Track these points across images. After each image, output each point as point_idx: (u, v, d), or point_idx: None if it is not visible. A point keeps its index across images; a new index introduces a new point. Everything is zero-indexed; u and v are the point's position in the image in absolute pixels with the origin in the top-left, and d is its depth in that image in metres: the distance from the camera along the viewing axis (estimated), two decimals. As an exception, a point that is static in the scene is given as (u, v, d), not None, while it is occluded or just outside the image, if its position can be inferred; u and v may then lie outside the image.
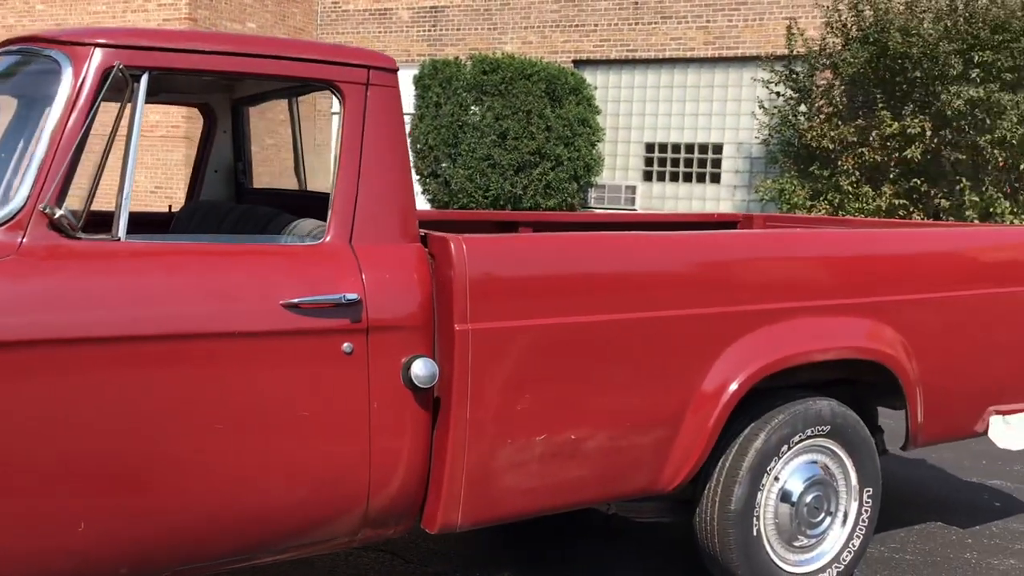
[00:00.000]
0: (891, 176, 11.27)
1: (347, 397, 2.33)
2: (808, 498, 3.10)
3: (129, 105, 2.20)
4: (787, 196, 12.02)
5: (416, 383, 2.38)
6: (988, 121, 10.42)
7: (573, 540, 3.66)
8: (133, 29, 2.33)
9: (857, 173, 11.46)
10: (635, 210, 13.87)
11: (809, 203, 11.84)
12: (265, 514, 2.28)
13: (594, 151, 13.48)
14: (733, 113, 13.80)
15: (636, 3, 14.15)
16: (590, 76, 14.34)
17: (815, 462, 3.14)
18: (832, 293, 3.08)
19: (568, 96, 13.12)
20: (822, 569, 3.17)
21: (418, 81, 13.42)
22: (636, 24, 14.21)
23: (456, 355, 2.42)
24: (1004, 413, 3.57)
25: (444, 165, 13.16)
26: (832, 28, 11.61)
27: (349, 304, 2.32)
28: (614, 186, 14.25)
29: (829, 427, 3.11)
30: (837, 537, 3.21)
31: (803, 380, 3.22)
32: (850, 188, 11.49)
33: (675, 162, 14.28)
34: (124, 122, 2.19)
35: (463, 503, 2.51)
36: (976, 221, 10.58)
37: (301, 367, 2.28)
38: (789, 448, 3.04)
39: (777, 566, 3.07)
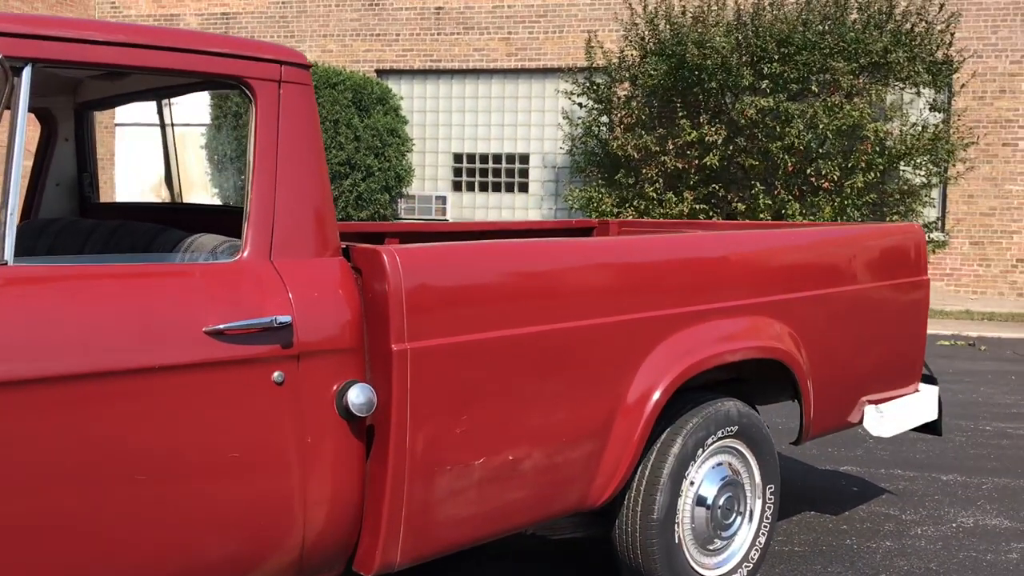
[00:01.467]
0: (691, 182, 11.80)
1: (279, 432, 2.07)
2: (721, 500, 3.09)
3: (9, 105, 1.85)
4: (595, 204, 12.33)
5: (353, 411, 2.15)
6: (778, 129, 11.11)
7: (479, 563, 3.49)
8: (12, 14, 1.97)
9: (660, 180, 11.92)
10: (446, 220, 13.81)
11: (616, 210, 12.20)
12: (193, 567, 1.98)
13: (404, 161, 13.31)
14: (538, 124, 14.03)
15: (438, 13, 14.11)
16: (395, 86, 14.17)
17: (724, 464, 3.14)
18: (739, 294, 3.09)
19: (375, 106, 12.90)
20: (733, 570, 3.17)
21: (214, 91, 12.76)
22: (438, 35, 14.17)
23: (394, 378, 2.21)
24: (876, 403, 3.73)
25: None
26: (630, 42, 12.04)
27: (279, 328, 2.06)
28: (424, 196, 14.13)
29: (737, 427, 3.12)
30: (745, 536, 3.23)
31: (703, 383, 3.22)
32: (654, 195, 11.93)
33: (483, 172, 14.35)
34: (3, 124, 1.84)
35: (402, 540, 2.29)
36: (770, 221, 11.27)
37: (228, 402, 2.00)
38: (703, 451, 3.02)
39: (696, 572, 3.04)
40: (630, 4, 12.09)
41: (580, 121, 12.74)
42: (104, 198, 3.06)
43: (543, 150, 14.02)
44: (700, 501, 3.05)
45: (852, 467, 4.84)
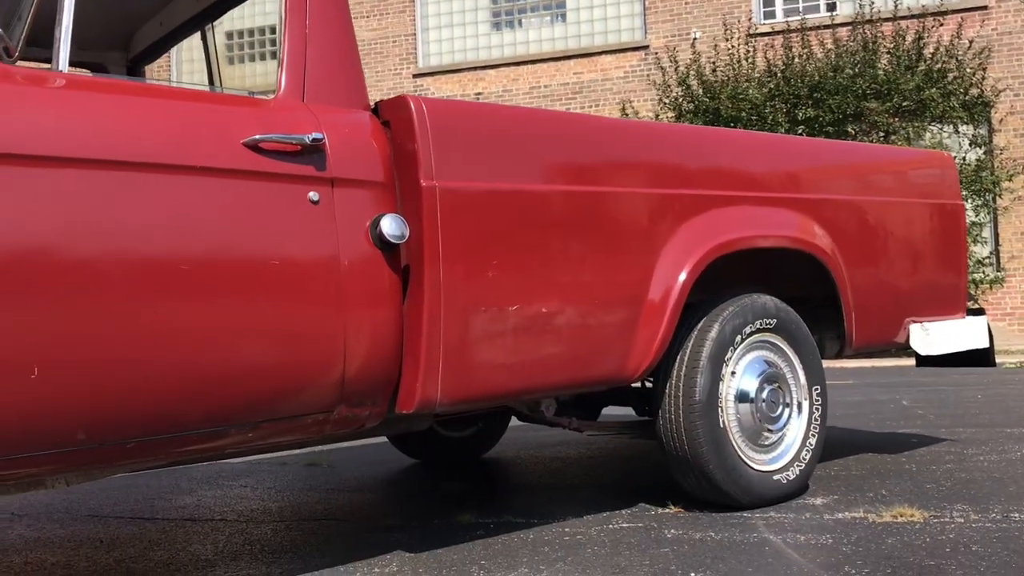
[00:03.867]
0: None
1: (317, 248, 2.17)
2: (764, 393, 3.08)
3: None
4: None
5: (387, 239, 2.25)
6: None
7: (514, 484, 3.48)
8: None
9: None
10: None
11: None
12: (233, 372, 2.05)
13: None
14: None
15: (477, 99, 14.62)
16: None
17: (764, 359, 3.14)
18: (773, 187, 3.17)
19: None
20: (786, 467, 3.12)
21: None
22: (479, 118, 14.64)
23: (424, 212, 2.31)
24: (921, 323, 3.70)
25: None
26: (665, 104, 12.34)
27: (313, 150, 2.19)
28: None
29: (775, 320, 3.13)
30: (796, 432, 3.19)
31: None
32: (701, 248, 11.97)
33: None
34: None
35: (442, 376, 2.35)
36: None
37: (267, 213, 2.11)
38: (742, 339, 3.04)
39: (746, 463, 3.01)
40: (662, 68, 12.44)
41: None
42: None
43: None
44: (743, 397, 3.05)
45: (912, 428, 4.74)
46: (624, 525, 2.88)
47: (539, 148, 2.59)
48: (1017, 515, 2.81)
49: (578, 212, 2.63)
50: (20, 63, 1.95)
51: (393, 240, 2.25)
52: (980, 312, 4.05)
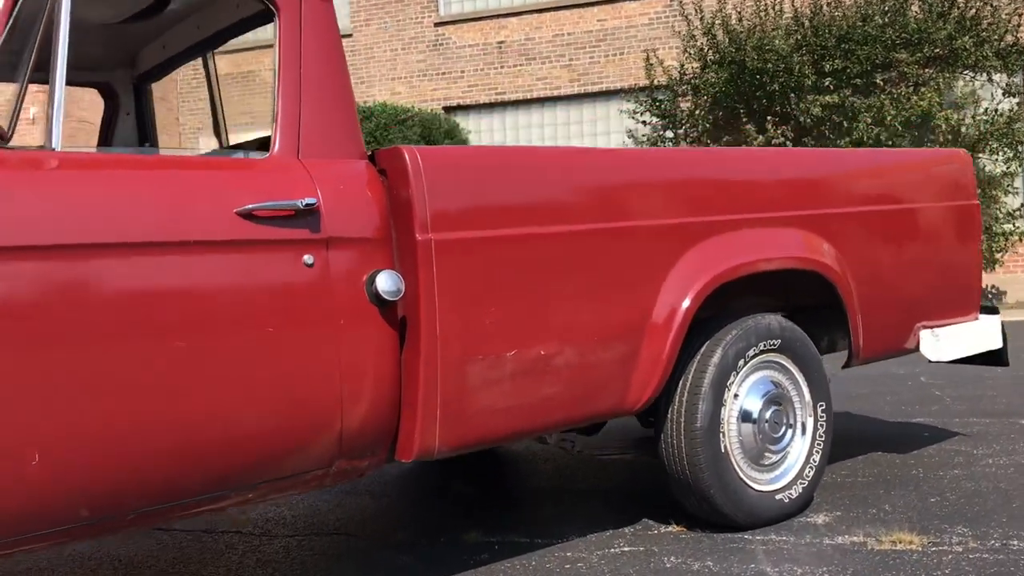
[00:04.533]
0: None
1: (312, 312, 2.20)
2: (768, 414, 3.10)
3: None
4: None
5: (382, 296, 2.27)
6: (844, 125, 11.00)
7: (522, 496, 3.54)
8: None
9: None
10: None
11: (688, 221, 12.15)
12: (233, 441, 2.10)
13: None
14: (604, 145, 14.16)
15: (500, 47, 14.44)
16: (463, 120, 14.50)
17: (769, 379, 3.15)
18: (776, 206, 3.13)
19: (443, 140, 13.20)
20: (788, 485, 3.15)
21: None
22: (502, 67, 14.48)
23: (420, 265, 2.33)
24: (932, 328, 3.68)
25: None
26: (690, 55, 12.12)
27: (307, 213, 2.20)
28: (497, 224, 14.33)
29: (779, 340, 3.13)
30: (799, 451, 3.21)
31: (751, 305, 3.26)
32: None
33: (553, 198, 14.49)
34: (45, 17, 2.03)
35: (440, 425, 2.39)
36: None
37: (262, 280, 2.14)
38: (745, 363, 3.04)
39: (746, 484, 3.04)
40: (687, 17, 12.19)
41: (644, 138, 12.84)
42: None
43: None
44: (745, 416, 3.07)
45: (926, 419, 4.74)
46: (625, 549, 2.93)
47: (536, 188, 2.58)
48: (1016, 543, 2.83)
49: (576, 251, 2.63)
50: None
51: (388, 297, 2.27)
52: (994, 311, 4.01)
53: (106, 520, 1.99)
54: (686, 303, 2.83)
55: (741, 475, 3.04)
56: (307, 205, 2.18)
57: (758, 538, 2.98)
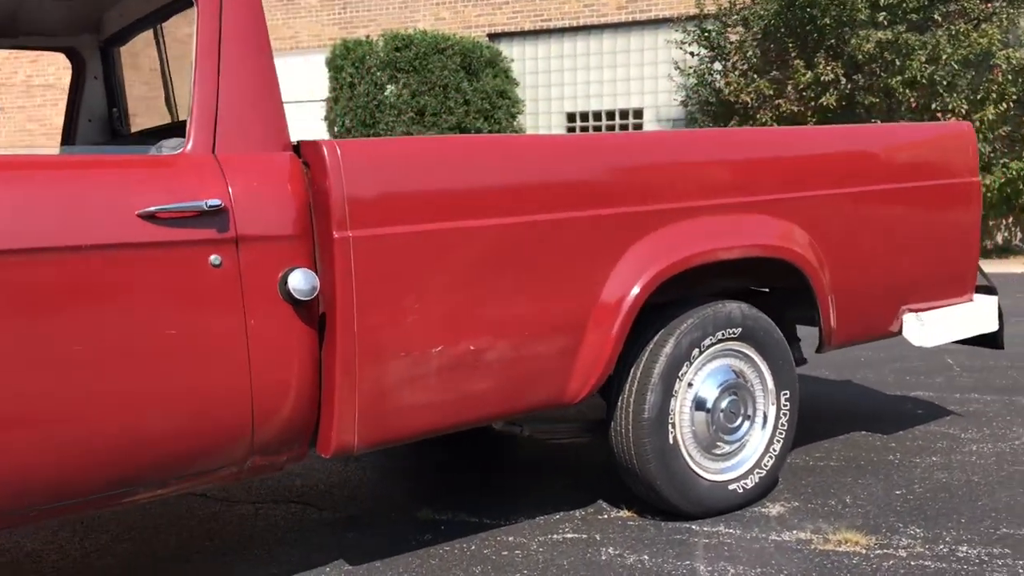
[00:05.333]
0: (809, 125, 11.36)
1: (220, 312, 2.18)
2: (724, 403, 3.03)
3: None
4: (709, 153, 12.03)
5: (295, 295, 2.24)
6: (898, 63, 10.54)
7: (489, 472, 3.55)
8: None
9: (775, 125, 11.52)
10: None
11: (731, 158, 11.86)
12: (138, 442, 2.12)
13: (515, 123, 13.37)
14: (651, 77, 13.81)
15: (547, -28, 14.06)
16: (506, 48, 14.23)
17: (729, 367, 3.08)
18: (739, 191, 3.01)
19: (484, 69, 12.99)
20: (744, 475, 3.10)
21: (330, 63, 13.18)
22: (548, -7, 14.12)
23: (336, 265, 2.29)
24: (917, 311, 3.55)
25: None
26: (735, -17, 11.66)
27: (213, 212, 2.17)
28: (538, 157, 14.15)
29: (740, 329, 3.04)
30: (758, 442, 3.15)
31: (715, 291, 3.17)
32: (769, 140, 11.53)
33: (597, 129, 14.24)
34: None
35: (358, 423, 2.38)
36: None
37: (166, 282, 2.12)
38: (700, 352, 2.97)
39: (696, 474, 3.00)
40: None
41: (692, 70, 12.47)
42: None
43: (657, 103, 13.80)
44: (700, 406, 3.01)
45: (926, 392, 4.61)
46: (568, 536, 2.92)
47: (466, 181, 2.50)
48: (965, 548, 2.75)
49: (510, 245, 2.56)
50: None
51: (301, 296, 2.25)
52: (992, 292, 3.85)
53: (3, 516, 2.04)
54: (631, 296, 2.75)
55: (692, 465, 2.99)
56: (211, 206, 2.14)
57: (705, 529, 2.95)
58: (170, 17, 2.63)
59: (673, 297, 3.03)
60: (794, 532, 2.91)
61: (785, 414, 3.18)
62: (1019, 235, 12.08)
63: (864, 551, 2.75)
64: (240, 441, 2.26)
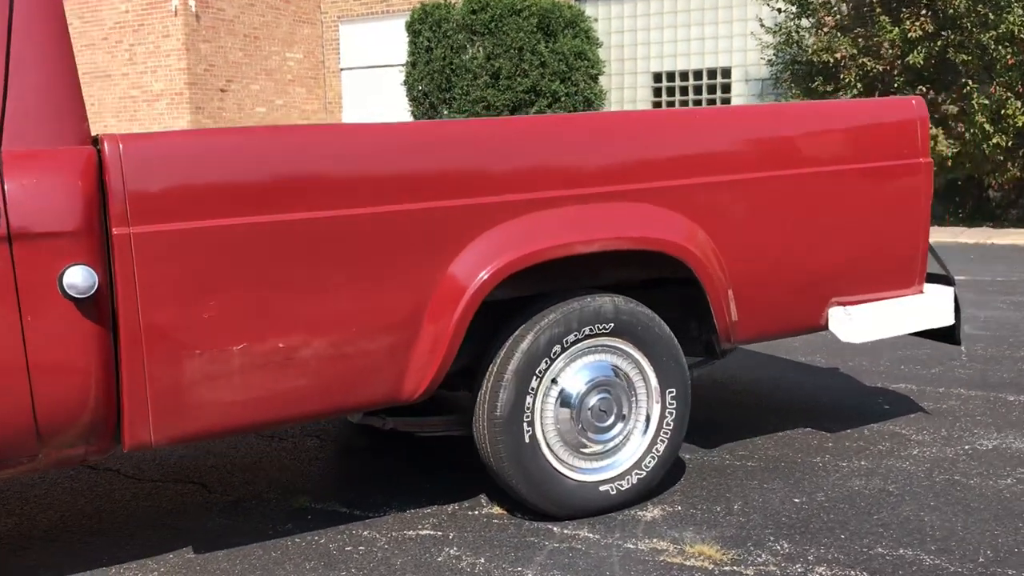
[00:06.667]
0: (895, 85, 10.69)
1: (-9, 309, 2.21)
2: (592, 401, 2.89)
3: None
4: (791, 115, 11.49)
5: (72, 293, 2.25)
6: (991, 17, 9.76)
7: (392, 463, 3.51)
8: None
9: (860, 86, 10.89)
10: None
11: (813, 121, 11.30)
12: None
13: (595, 85, 13.10)
14: (740, 34, 13.27)
15: (631, -72, 13.64)
16: (591, 9, 13.94)
17: (607, 364, 2.93)
18: (603, 180, 2.83)
19: (564, 30, 12.75)
20: (620, 476, 2.96)
21: (409, 27, 13.22)
22: (634, -51, 13.71)
23: (118, 262, 2.28)
24: (847, 304, 3.28)
25: (444, 112, 12.96)
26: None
27: (-18, 211, 2.19)
28: (617, 119, 13.85)
29: (613, 324, 2.89)
30: (638, 443, 3.00)
31: (608, 283, 3.02)
32: (853, 101, 10.92)
33: (684, 90, 13.84)
34: None
35: (153, 419, 2.38)
36: (986, 125, 9.98)
37: (-68, 279, 2.16)
38: (564, 348, 2.83)
39: (560, 473, 2.88)
40: None
41: (778, 27, 11.89)
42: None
43: (746, 62, 13.26)
44: (566, 404, 2.88)
45: (909, 384, 4.29)
46: (423, 533, 2.87)
47: (265, 174, 2.42)
48: (821, 569, 2.55)
49: (320, 239, 2.48)
50: None
51: (77, 294, 2.25)
52: (948, 282, 3.53)
53: None
54: (469, 292, 2.64)
55: (555, 464, 2.88)
56: (-23, 205, 2.16)
57: (565, 532, 2.84)
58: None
59: (551, 290, 2.91)
60: (654, 541, 2.76)
61: (671, 413, 3.02)
62: None
63: (712, 567, 2.59)
64: (24, 437, 2.29)
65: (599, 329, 2.88)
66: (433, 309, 2.64)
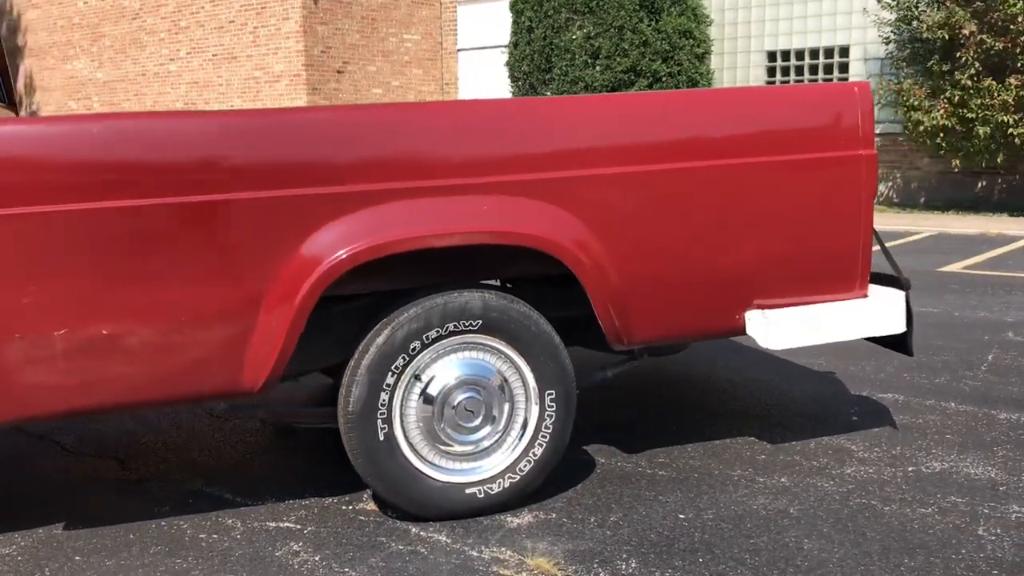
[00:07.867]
0: (1018, 64, 9.83)
1: None
2: (458, 400, 2.78)
3: None
4: (904, 97, 10.80)
5: None
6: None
7: (306, 452, 3.50)
8: None
9: (977, 65, 10.08)
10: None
11: (928, 103, 10.58)
12: None
13: (701, 65, 12.65)
14: (859, 11, 12.48)
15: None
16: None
17: (481, 362, 2.81)
18: (469, 171, 2.70)
19: (669, 7, 12.37)
20: (490, 479, 2.84)
21: (513, 6, 13.14)
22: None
23: (-72, 246, 2.35)
24: (769, 308, 3.03)
25: (546, 92, 12.84)
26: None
27: None
28: (723, 101, 13.33)
29: (481, 321, 2.76)
30: (512, 445, 2.87)
31: (513, 278, 2.90)
32: (970, 82, 10.14)
33: (799, 69, 13.18)
34: None
35: (-29, 399, 2.44)
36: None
37: None
38: (424, 345, 2.73)
39: (422, 473, 2.78)
40: None
41: (895, 3, 11.15)
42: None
43: (865, 40, 12.47)
44: (428, 402, 2.78)
45: (896, 395, 3.93)
46: (282, 526, 2.84)
47: (81, 161, 2.43)
48: (652, 597, 2.37)
49: (144, 228, 2.46)
50: None
51: None
52: (898, 284, 3.20)
53: None
54: (307, 284, 2.57)
55: (417, 464, 2.79)
56: None
57: (421, 535, 2.75)
58: None
59: (423, 284, 2.81)
60: (501, 550, 2.63)
61: (551, 416, 2.87)
62: None
63: (542, 582, 2.45)
64: None
65: (465, 326, 2.76)
66: (271, 301, 2.59)
